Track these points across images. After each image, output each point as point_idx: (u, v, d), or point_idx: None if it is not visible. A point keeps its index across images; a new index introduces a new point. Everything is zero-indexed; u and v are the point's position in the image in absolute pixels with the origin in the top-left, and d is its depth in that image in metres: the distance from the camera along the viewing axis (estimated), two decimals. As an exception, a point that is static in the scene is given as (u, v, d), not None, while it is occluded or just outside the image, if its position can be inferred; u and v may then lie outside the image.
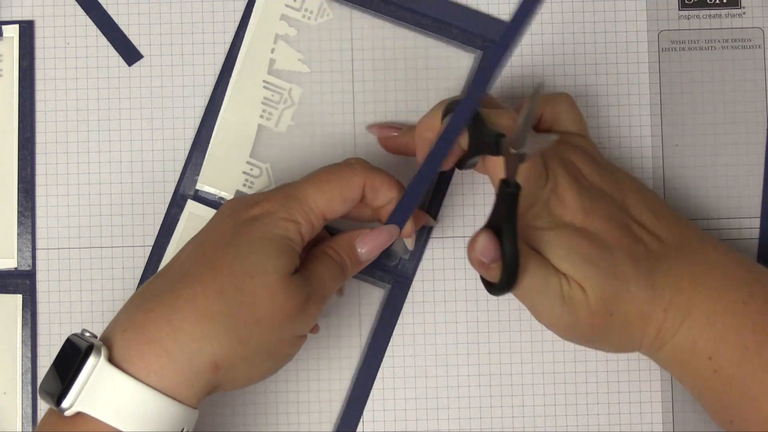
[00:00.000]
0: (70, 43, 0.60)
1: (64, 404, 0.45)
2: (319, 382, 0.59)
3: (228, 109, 0.60)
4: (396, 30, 0.60)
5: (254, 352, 0.48)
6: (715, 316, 0.49)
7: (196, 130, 0.60)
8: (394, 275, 0.59)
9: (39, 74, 0.60)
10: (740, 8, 0.60)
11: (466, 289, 0.59)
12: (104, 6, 0.60)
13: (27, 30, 0.60)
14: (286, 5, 0.60)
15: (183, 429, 0.47)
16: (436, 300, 0.59)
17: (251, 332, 0.47)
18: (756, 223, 0.59)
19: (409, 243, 0.55)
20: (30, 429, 0.58)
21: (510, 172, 0.46)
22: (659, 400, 0.59)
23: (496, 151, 0.48)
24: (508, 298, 0.59)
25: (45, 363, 0.59)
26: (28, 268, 0.59)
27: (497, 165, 0.49)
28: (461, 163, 0.53)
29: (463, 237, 0.59)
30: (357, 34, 0.60)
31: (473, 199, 0.59)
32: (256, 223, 0.49)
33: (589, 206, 0.50)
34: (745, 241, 0.59)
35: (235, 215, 0.50)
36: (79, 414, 0.46)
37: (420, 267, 0.59)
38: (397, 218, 0.53)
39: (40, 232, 0.59)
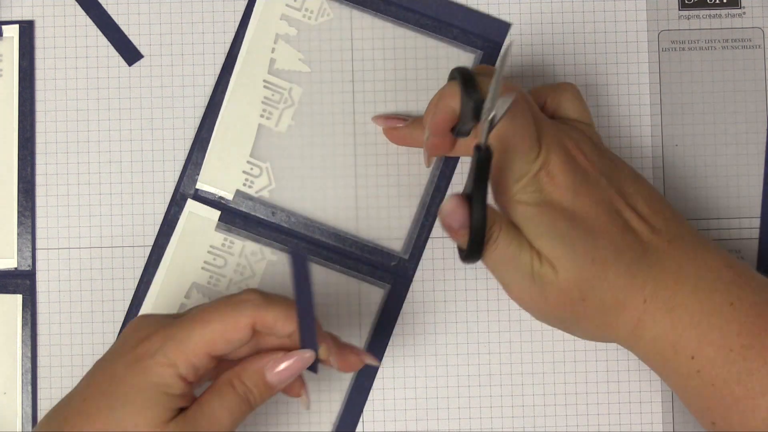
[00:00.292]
0: (70, 43, 0.60)
1: None
2: (319, 382, 0.59)
3: (228, 108, 0.60)
4: (396, 30, 0.60)
5: None
6: (701, 316, 0.49)
7: (196, 129, 0.60)
8: (394, 275, 0.59)
9: (39, 74, 0.60)
10: (740, 8, 0.60)
11: (466, 289, 0.59)
12: (104, 6, 0.60)
13: (27, 30, 0.60)
14: (287, 5, 0.60)
15: None
16: (436, 300, 0.59)
17: None
18: (756, 223, 0.59)
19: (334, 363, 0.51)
20: (30, 429, 0.58)
21: (483, 137, 0.46)
22: (659, 400, 0.59)
23: (476, 117, 0.48)
24: (508, 298, 0.59)
25: (45, 363, 0.59)
26: (28, 268, 0.59)
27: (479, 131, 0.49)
28: (456, 130, 0.52)
29: (463, 237, 0.59)
30: (357, 34, 0.60)
31: (473, 199, 0.59)
32: (136, 368, 0.47)
33: (580, 187, 0.50)
34: (745, 241, 0.59)
35: (125, 351, 0.48)
36: None
37: (420, 267, 0.59)
38: (305, 341, 0.48)
39: (40, 232, 0.59)
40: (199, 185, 0.59)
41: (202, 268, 0.59)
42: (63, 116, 0.60)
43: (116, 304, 0.59)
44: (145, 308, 0.59)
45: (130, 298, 0.59)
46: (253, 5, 0.60)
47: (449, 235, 0.49)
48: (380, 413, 0.59)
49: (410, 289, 0.59)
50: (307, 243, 0.59)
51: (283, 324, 0.48)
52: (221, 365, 0.50)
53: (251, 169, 0.60)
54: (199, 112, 0.60)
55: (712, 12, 0.60)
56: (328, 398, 0.59)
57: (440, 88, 0.52)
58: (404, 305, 0.59)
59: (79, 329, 0.59)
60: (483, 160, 0.46)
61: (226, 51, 0.60)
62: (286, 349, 0.49)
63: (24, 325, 0.59)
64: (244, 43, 0.60)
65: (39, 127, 0.60)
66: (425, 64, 0.60)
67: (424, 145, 0.54)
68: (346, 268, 0.59)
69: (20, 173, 0.59)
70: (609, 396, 0.59)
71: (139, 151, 0.60)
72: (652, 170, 0.60)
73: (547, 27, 0.60)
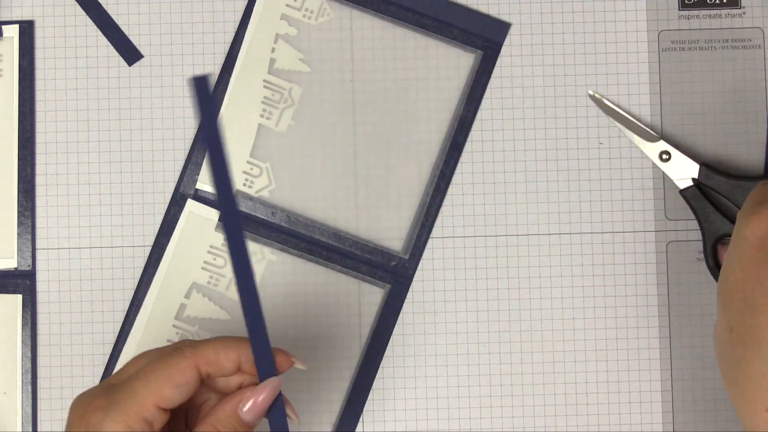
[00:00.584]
0: (70, 43, 0.60)
1: None
2: (319, 382, 0.59)
3: (228, 108, 0.60)
4: (396, 30, 0.60)
5: None
6: None
7: (196, 129, 0.60)
8: (394, 275, 0.59)
9: (39, 74, 0.60)
10: (740, 8, 0.60)
11: (466, 289, 0.59)
12: (104, 6, 0.60)
13: (27, 30, 0.60)
14: (287, 5, 0.60)
15: None
16: (436, 300, 0.59)
17: None
18: (756, 223, 0.59)
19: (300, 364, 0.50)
20: (30, 429, 0.58)
21: None
22: (659, 400, 0.59)
23: None
24: (508, 298, 0.59)
25: (45, 363, 0.59)
26: (28, 268, 0.59)
27: None
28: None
29: (463, 237, 0.59)
30: (357, 34, 0.60)
31: (473, 199, 0.59)
32: None
33: None
34: (745, 241, 0.59)
35: (75, 425, 0.47)
36: None
37: (420, 267, 0.59)
38: (264, 369, 0.47)
39: (40, 232, 0.59)
40: (199, 185, 0.59)
41: (202, 268, 0.59)
42: (63, 116, 0.60)
43: (116, 304, 0.59)
44: (145, 308, 0.59)
45: (130, 298, 0.59)
46: (253, 5, 0.60)
47: None
48: (380, 413, 0.59)
49: (410, 289, 0.59)
50: (307, 243, 0.59)
51: (226, 354, 0.47)
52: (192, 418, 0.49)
53: (251, 169, 0.60)
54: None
55: (712, 12, 0.60)
56: (328, 398, 0.59)
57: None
58: (404, 305, 0.59)
59: (79, 329, 0.59)
60: None
61: (226, 51, 0.60)
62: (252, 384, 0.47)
63: (24, 325, 0.59)
64: (244, 43, 0.60)
65: (39, 127, 0.60)
66: (425, 64, 0.60)
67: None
68: (346, 268, 0.59)
69: (20, 173, 0.59)
70: (609, 396, 0.59)
71: (139, 151, 0.60)
72: (652, 170, 0.60)
73: (547, 27, 0.60)
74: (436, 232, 0.59)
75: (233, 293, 0.59)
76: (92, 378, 0.59)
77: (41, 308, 0.59)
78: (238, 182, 0.59)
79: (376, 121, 0.60)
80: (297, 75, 0.60)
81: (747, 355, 0.47)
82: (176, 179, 0.60)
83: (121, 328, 0.59)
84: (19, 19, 0.60)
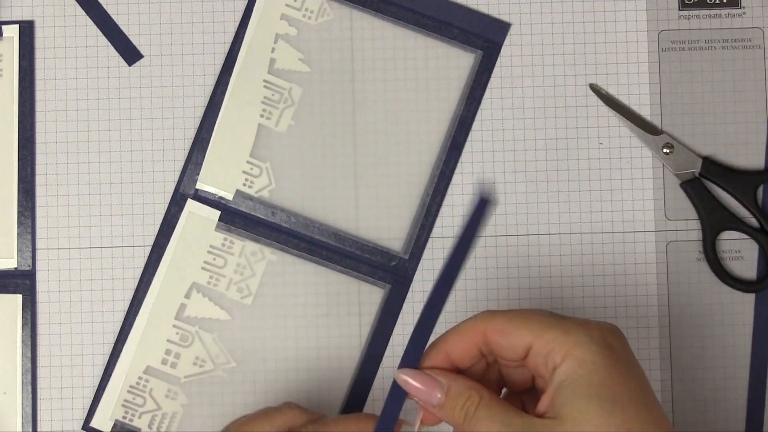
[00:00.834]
0: (70, 43, 0.60)
1: None
2: (319, 382, 0.59)
3: (228, 108, 0.60)
4: (396, 30, 0.60)
5: None
6: None
7: (196, 129, 0.60)
8: (394, 275, 0.59)
9: (39, 74, 0.60)
10: (740, 8, 0.60)
11: (466, 289, 0.59)
12: (104, 6, 0.60)
13: (27, 30, 0.60)
14: (287, 5, 0.60)
15: None
16: (436, 300, 0.59)
17: None
18: (755, 222, 0.59)
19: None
20: (30, 429, 0.58)
21: None
22: (659, 401, 0.59)
23: None
24: (508, 298, 0.59)
25: (45, 363, 0.59)
26: (28, 268, 0.59)
27: None
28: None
29: (463, 237, 0.59)
30: (357, 34, 0.60)
31: (473, 199, 0.59)
32: None
33: None
34: (745, 241, 0.59)
35: None
36: None
37: (420, 267, 0.59)
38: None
39: (40, 232, 0.59)
40: (199, 185, 0.59)
41: (202, 268, 0.59)
42: (63, 116, 0.60)
43: (116, 304, 0.59)
44: (145, 308, 0.59)
45: (130, 298, 0.59)
46: (253, 5, 0.60)
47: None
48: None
49: (410, 289, 0.59)
50: (307, 243, 0.59)
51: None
52: None
53: (251, 169, 0.60)
54: (199, 112, 0.60)
55: (712, 12, 0.60)
56: (328, 398, 0.59)
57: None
58: (404, 305, 0.59)
59: (79, 329, 0.59)
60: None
61: (226, 51, 0.60)
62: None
63: (24, 325, 0.59)
64: (244, 43, 0.60)
65: (39, 127, 0.60)
66: (425, 64, 0.60)
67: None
68: (346, 268, 0.59)
69: (20, 173, 0.59)
70: (609, 396, 0.59)
71: (139, 151, 0.60)
72: (652, 170, 0.60)
73: (547, 27, 0.60)
74: (436, 232, 0.59)
75: (233, 293, 0.59)
76: (92, 378, 0.59)
77: (41, 308, 0.59)
78: (239, 182, 0.59)
79: (376, 121, 0.60)
80: (297, 75, 0.60)
81: None
82: (176, 179, 0.60)
83: (121, 328, 0.59)
84: (19, 19, 0.60)
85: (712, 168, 0.58)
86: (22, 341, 0.59)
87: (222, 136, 0.59)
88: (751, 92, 0.60)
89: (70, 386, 0.59)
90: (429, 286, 0.59)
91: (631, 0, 0.60)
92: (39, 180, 0.59)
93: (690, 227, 0.59)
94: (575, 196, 0.60)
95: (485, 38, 0.60)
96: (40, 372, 0.59)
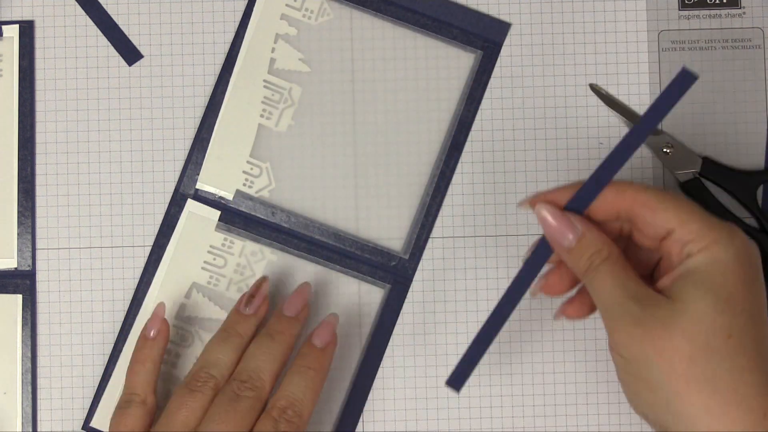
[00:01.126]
0: (70, 43, 0.60)
1: None
2: (319, 382, 0.59)
3: (228, 108, 0.60)
4: (396, 30, 0.60)
5: None
6: None
7: (196, 129, 0.60)
8: (394, 275, 0.59)
9: (39, 74, 0.60)
10: (740, 8, 0.60)
11: (466, 289, 0.59)
12: (104, 6, 0.60)
13: (27, 30, 0.60)
14: (287, 5, 0.60)
15: None
16: (436, 300, 0.59)
17: None
18: (754, 223, 0.59)
19: None
20: (30, 429, 0.58)
21: None
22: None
23: None
24: (508, 298, 0.59)
25: (45, 363, 0.59)
26: (28, 268, 0.59)
27: None
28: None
29: (463, 237, 0.59)
30: (357, 34, 0.60)
31: (473, 199, 0.59)
32: None
33: None
34: (745, 241, 0.59)
35: None
36: None
37: (420, 267, 0.59)
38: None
39: (40, 232, 0.59)
40: (199, 185, 0.59)
41: (202, 268, 0.59)
42: (63, 116, 0.60)
43: (116, 304, 0.59)
44: (145, 308, 0.59)
45: (130, 298, 0.59)
46: (253, 5, 0.60)
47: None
48: (380, 413, 0.59)
49: (410, 289, 0.59)
50: (307, 243, 0.59)
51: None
52: None
53: (251, 169, 0.60)
54: (199, 112, 0.60)
55: (712, 12, 0.60)
56: (328, 398, 0.59)
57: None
58: (404, 305, 0.59)
59: (79, 329, 0.59)
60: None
61: (226, 51, 0.60)
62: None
63: (24, 325, 0.59)
64: (244, 43, 0.60)
65: (39, 127, 0.60)
66: (425, 64, 0.60)
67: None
68: (346, 268, 0.59)
69: (20, 173, 0.59)
70: (609, 396, 0.59)
71: (139, 151, 0.60)
72: (652, 170, 0.60)
73: (547, 27, 0.60)
74: (436, 232, 0.59)
75: (233, 293, 0.59)
76: (92, 378, 0.59)
77: (41, 308, 0.59)
78: (239, 182, 0.59)
79: (376, 121, 0.60)
80: (297, 75, 0.60)
81: (750, 364, 0.46)
82: (176, 179, 0.60)
83: (121, 328, 0.59)
84: (19, 19, 0.60)
85: (712, 168, 0.58)
86: (22, 341, 0.59)
87: (222, 136, 0.59)
88: (751, 92, 0.60)
89: (70, 386, 0.59)
90: (429, 286, 0.59)
91: (631, 0, 0.60)
92: (39, 180, 0.59)
93: (690, 227, 0.59)
94: (575, 196, 0.59)
95: (485, 38, 0.60)
96: (40, 372, 0.59)
